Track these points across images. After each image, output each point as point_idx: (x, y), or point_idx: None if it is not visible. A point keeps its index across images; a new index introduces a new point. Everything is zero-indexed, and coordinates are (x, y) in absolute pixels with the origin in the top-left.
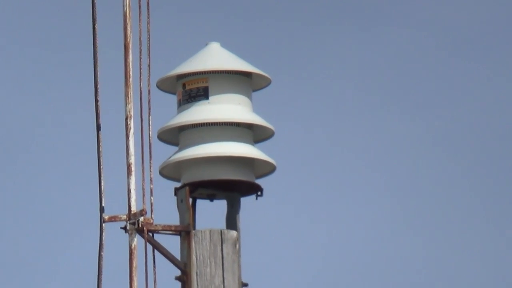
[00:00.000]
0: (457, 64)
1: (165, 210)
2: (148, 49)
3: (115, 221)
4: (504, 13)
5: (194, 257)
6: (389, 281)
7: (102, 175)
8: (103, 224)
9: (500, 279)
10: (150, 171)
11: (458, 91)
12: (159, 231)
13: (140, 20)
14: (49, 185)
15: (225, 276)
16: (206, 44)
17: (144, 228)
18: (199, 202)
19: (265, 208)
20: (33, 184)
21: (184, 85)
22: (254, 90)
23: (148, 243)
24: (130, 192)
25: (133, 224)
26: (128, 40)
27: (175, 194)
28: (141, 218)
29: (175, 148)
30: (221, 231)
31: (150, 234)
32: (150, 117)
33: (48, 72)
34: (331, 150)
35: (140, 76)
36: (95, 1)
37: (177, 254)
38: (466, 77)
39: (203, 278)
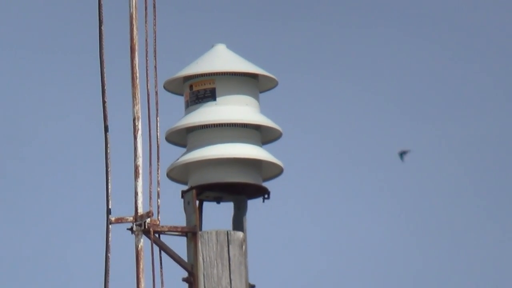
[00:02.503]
0: (458, 65)
1: (172, 213)
2: (155, 51)
3: (121, 222)
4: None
5: (200, 258)
6: (395, 283)
7: (109, 177)
8: (110, 226)
9: (499, 280)
10: (158, 173)
11: (460, 92)
12: (166, 232)
13: (146, 21)
14: (57, 187)
15: (232, 277)
16: (212, 46)
17: (151, 229)
18: (206, 204)
19: (272, 210)
20: (40, 185)
21: (191, 87)
22: (261, 92)
23: (154, 244)
24: (137, 194)
25: (140, 225)
26: (135, 41)
27: (182, 196)
28: (148, 220)
29: (183, 150)
30: (227, 232)
31: (157, 235)
32: (157, 118)
33: (55, 74)
34: (338, 152)
35: (147, 77)
36: (101, 3)
37: (183, 256)
38: (468, 78)
39: (210, 279)
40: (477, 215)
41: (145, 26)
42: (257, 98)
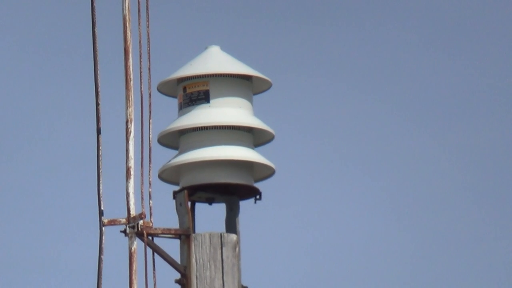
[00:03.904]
0: (459, 66)
1: (164, 214)
2: (148, 53)
3: (114, 224)
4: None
5: (193, 260)
6: (388, 284)
7: (101, 178)
8: (103, 228)
9: (498, 280)
10: (149, 174)
11: (460, 95)
12: (159, 235)
13: (139, 23)
14: (49, 188)
15: (224, 279)
16: (206, 48)
17: (144, 231)
18: (198, 205)
19: (264, 212)
20: (32, 187)
21: (184, 89)
22: (255, 94)
23: (148, 247)
24: (129, 195)
25: (133, 227)
26: (128, 43)
27: (174, 197)
28: (141, 222)
29: (175, 152)
30: (221, 234)
31: (150, 238)
32: (150, 121)
33: (48, 76)
34: (330, 154)
35: (141, 79)
36: (94, 5)
37: (176, 258)
38: (468, 81)
39: (203, 281)
40: (476, 217)
41: (139, 28)
42: (250, 100)
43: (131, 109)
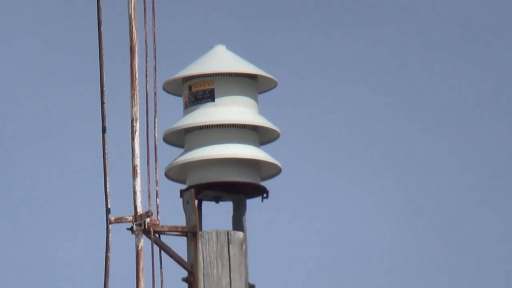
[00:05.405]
0: (456, 61)
1: (171, 212)
2: (154, 52)
3: (121, 222)
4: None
5: (200, 258)
6: (394, 282)
7: (107, 177)
8: (110, 225)
9: (499, 280)
10: (156, 173)
11: (458, 89)
12: (166, 232)
13: (145, 22)
14: (55, 187)
15: (232, 277)
16: (212, 47)
17: (151, 229)
18: (205, 203)
19: (270, 210)
20: (38, 185)
21: (190, 87)
22: (260, 92)
23: (154, 244)
24: (135, 194)
25: (140, 225)
26: (134, 42)
27: (181, 196)
28: (148, 219)
29: (181, 151)
30: (227, 232)
31: (157, 235)
32: (156, 119)
33: (54, 74)
34: (336, 152)
35: (146, 78)
36: (100, 3)
37: (183, 256)
38: (465, 74)
39: (210, 279)
40: (486, 218)
41: (145, 27)
42: (255, 99)
43: (137, 108)
